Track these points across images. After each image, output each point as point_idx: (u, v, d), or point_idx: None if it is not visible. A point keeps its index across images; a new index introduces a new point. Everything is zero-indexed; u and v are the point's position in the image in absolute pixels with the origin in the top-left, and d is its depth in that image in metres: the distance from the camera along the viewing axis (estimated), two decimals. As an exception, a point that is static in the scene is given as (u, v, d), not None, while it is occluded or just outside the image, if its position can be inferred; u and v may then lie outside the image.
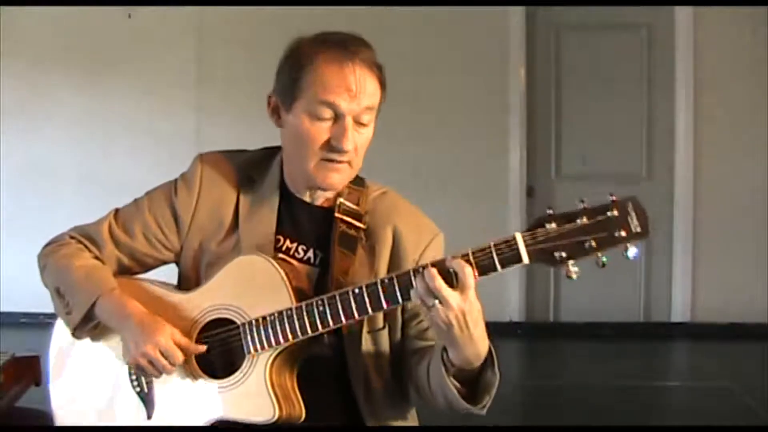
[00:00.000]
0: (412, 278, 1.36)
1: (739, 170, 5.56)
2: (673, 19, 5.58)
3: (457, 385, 1.43)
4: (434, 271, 1.34)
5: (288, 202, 1.60)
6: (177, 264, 1.66)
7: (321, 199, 1.60)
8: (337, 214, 1.57)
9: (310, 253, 1.58)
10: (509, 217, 5.65)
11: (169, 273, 1.67)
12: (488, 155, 5.69)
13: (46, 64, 5.79)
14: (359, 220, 1.57)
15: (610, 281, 5.57)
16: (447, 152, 5.65)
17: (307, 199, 1.59)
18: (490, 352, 1.42)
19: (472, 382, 1.44)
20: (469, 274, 1.32)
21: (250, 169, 1.62)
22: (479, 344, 1.38)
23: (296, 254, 1.58)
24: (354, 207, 1.58)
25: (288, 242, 1.58)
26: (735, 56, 5.54)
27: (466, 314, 1.34)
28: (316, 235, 1.58)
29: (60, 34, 5.77)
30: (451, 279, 1.34)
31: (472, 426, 1.41)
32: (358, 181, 1.61)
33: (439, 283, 1.33)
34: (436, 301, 1.33)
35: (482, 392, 1.44)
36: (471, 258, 1.34)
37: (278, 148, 1.62)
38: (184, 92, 5.76)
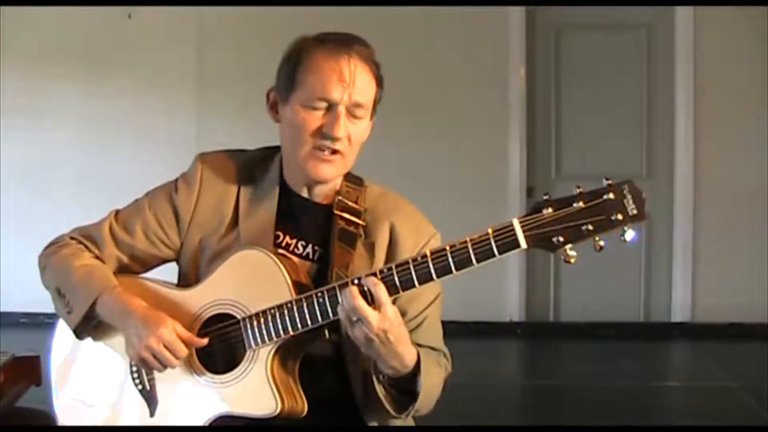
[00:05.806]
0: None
1: (739, 170, 5.55)
2: (673, 19, 5.58)
3: (384, 391, 1.48)
4: (355, 290, 1.37)
5: (288, 199, 1.60)
6: (177, 262, 1.66)
7: (320, 196, 1.60)
8: (336, 211, 1.57)
9: (309, 249, 1.59)
10: (509, 217, 5.57)
11: (168, 274, 1.66)
12: (488, 155, 5.68)
13: (46, 64, 5.78)
14: (358, 217, 1.57)
15: (610, 281, 5.57)
16: (447, 152, 5.65)
17: (306, 195, 1.60)
18: (418, 361, 1.46)
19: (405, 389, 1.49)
20: (381, 291, 1.36)
21: (250, 167, 1.63)
22: (405, 356, 1.44)
23: (296, 250, 1.59)
24: (352, 205, 1.58)
25: (288, 238, 1.59)
26: (735, 56, 5.53)
27: (387, 332, 1.37)
28: (316, 231, 1.59)
29: (60, 34, 5.76)
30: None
31: (472, 426, 1.41)
32: (355, 181, 1.62)
33: (359, 302, 1.36)
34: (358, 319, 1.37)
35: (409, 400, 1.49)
36: (469, 245, 1.35)
37: (278, 148, 1.63)
38: (184, 92, 5.76)
